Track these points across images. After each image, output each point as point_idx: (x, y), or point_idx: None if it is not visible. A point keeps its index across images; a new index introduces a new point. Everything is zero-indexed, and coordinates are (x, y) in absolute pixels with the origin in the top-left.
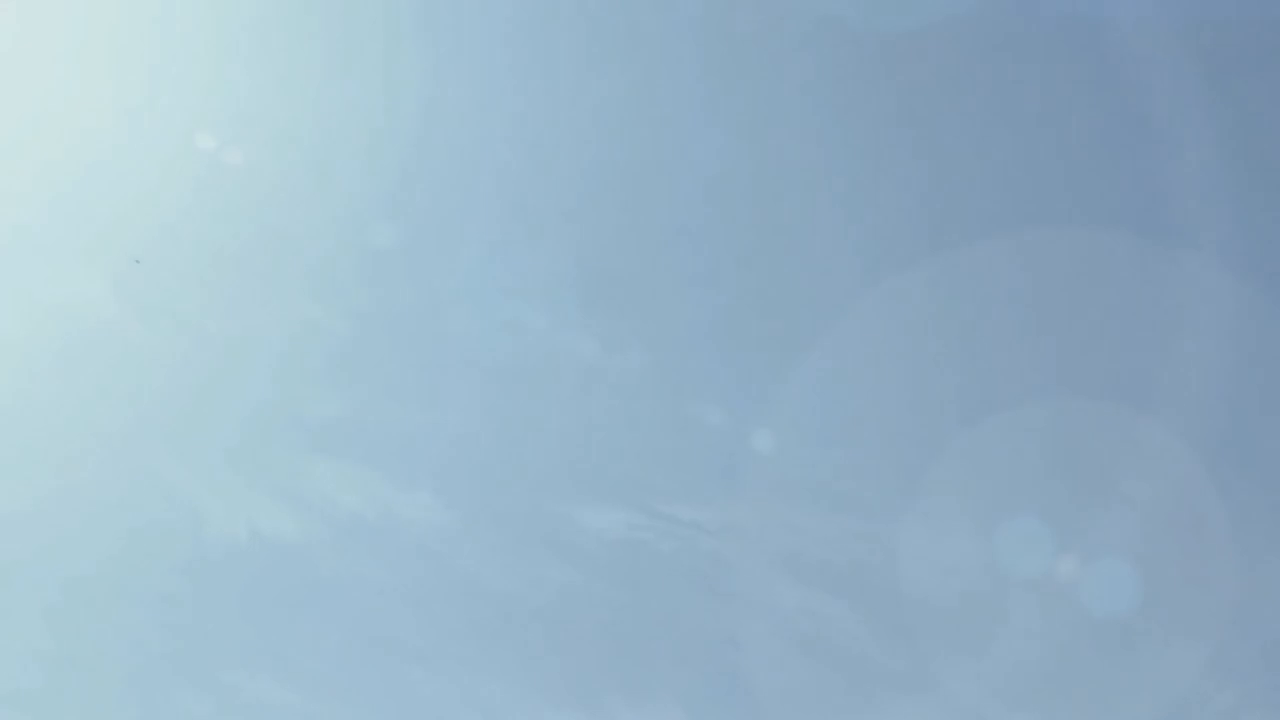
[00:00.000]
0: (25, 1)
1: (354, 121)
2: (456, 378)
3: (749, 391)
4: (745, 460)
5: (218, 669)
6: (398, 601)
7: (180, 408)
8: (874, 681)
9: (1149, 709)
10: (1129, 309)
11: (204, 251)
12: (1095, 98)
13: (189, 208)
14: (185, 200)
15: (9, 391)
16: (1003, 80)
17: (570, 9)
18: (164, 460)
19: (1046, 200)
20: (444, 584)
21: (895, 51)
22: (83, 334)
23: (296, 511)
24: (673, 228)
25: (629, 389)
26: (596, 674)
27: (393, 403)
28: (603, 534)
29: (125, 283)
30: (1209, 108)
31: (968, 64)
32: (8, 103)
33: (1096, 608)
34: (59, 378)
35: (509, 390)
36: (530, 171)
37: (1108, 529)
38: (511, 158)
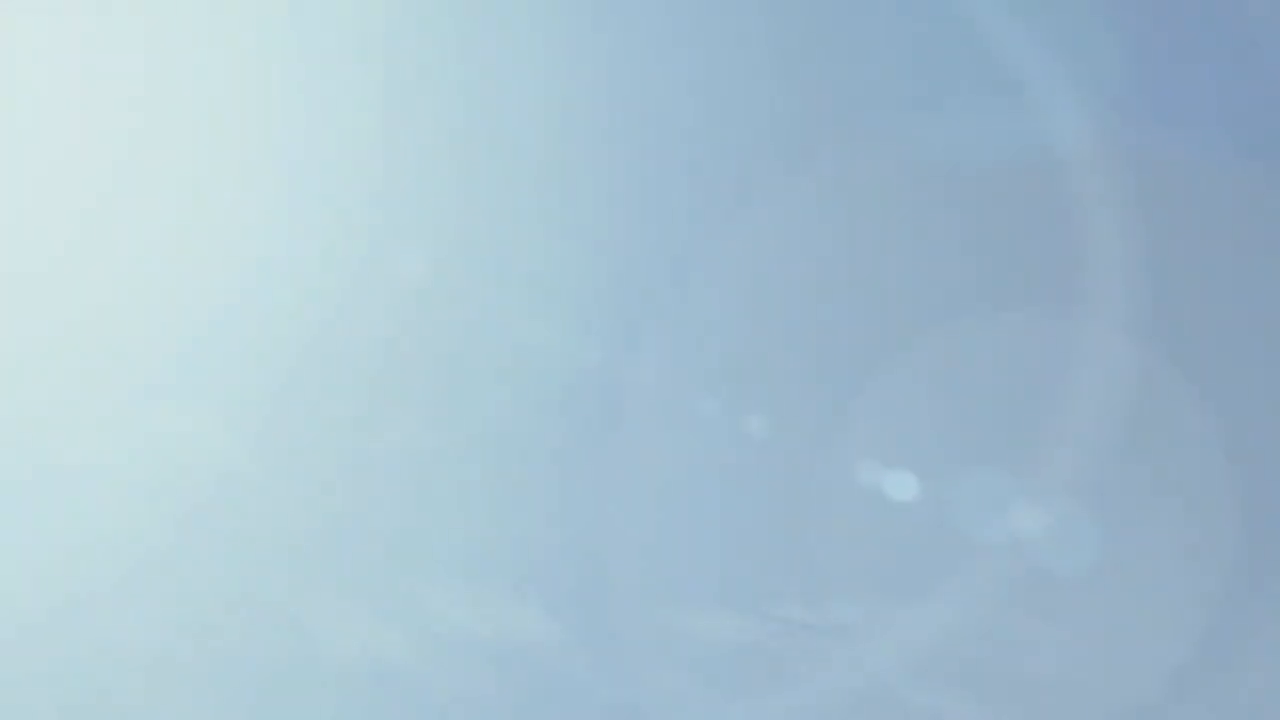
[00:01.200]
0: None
1: (447, 242)
2: (559, 488)
3: (855, 483)
4: (854, 559)
5: None
6: (510, 718)
7: (291, 533)
8: None
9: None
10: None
11: (309, 381)
12: None
13: (294, 340)
14: (291, 332)
15: (122, 522)
16: None
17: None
18: (276, 585)
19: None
20: (557, 698)
21: None
22: (195, 465)
23: (406, 631)
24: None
25: (730, 492)
26: None
27: (498, 517)
28: (713, 639)
29: (236, 414)
30: None
31: None
32: (117, 238)
33: None
34: (171, 507)
35: (612, 497)
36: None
37: None
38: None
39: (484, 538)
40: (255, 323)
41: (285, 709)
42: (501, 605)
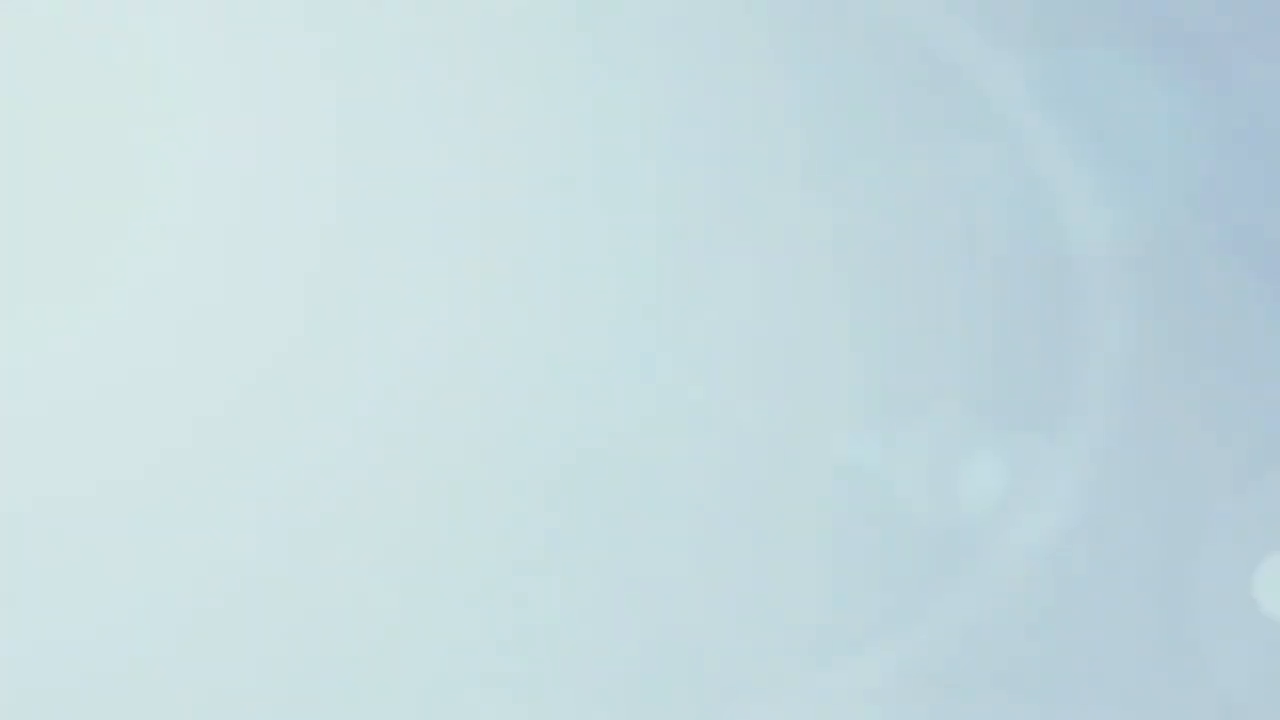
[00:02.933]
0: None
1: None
2: (600, 585)
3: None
4: (911, 648)
5: None
6: None
7: (331, 637)
8: None
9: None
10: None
11: (349, 487)
12: None
13: (336, 453)
14: (333, 452)
15: (163, 638)
16: None
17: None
18: (314, 695)
19: None
20: None
21: None
22: (240, 573)
23: None
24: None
25: (780, 577)
26: None
27: (553, 619)
28: None
29: (278, 520)
30: None
31: None
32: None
33: None
34: (225, 626)
35: (669, 594)
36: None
37: None
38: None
39: (538, 639)
40: (309, 431)
41: None
42: (558, 712)
